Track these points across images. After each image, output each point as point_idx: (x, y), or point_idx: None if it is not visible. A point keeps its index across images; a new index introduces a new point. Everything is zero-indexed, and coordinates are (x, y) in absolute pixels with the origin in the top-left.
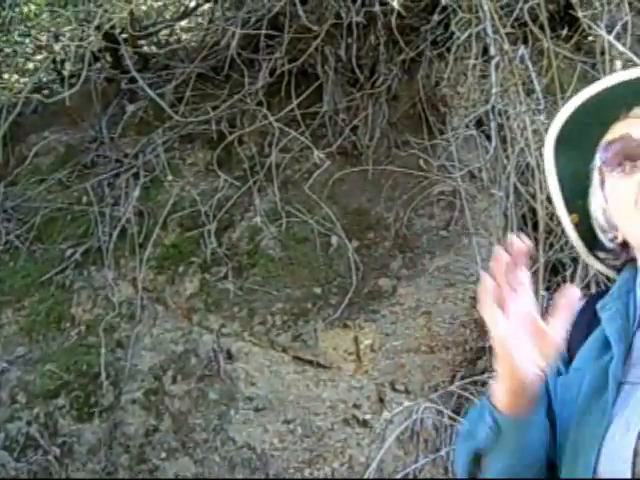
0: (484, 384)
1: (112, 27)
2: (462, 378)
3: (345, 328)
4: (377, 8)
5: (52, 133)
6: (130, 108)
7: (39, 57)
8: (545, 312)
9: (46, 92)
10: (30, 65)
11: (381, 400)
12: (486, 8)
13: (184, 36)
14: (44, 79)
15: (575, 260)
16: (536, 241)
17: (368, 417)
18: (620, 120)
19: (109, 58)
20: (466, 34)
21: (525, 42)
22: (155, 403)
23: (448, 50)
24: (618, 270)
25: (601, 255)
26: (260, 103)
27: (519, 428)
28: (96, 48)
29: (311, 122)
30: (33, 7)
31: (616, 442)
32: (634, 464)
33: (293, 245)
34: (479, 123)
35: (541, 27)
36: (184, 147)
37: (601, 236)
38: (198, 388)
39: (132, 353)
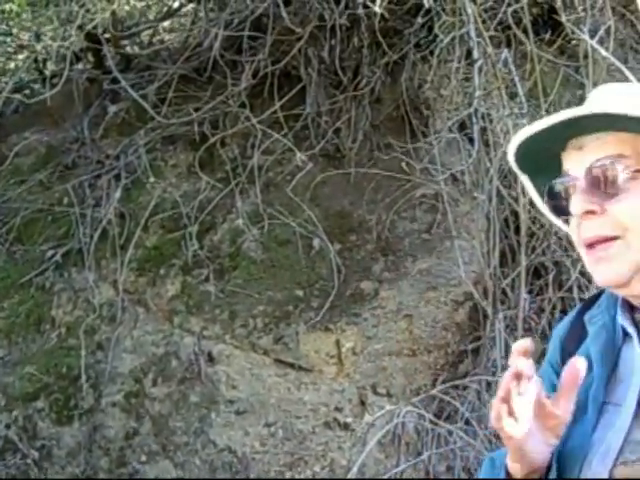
0: (465, 388)
1: (94, 27)
2: (444, 381)
3: (327, 331)
4: (360, 11)
5: (33, 133)
6: (112, 109)
7: (20, 56)
8: (527, 315)
9: (27, 92)
10: (11, 64)
11: (362, 403)
12: (470, 11)
13: (167, 37)
14: (25, 79)
15: (557, 263)
16: (518, 244)
17: (349, 420)
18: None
19: (91, 58)
20: (449, 37)
21: (508, 45)
22: (135, 406)
23: (431, 53)
24: None
25: None
26: (243, 105)
27: None
28: (78, 48)
29: (294, 124)
30: (14, 6)
31: (592, 469)
32: None
33: (275, 247)
34: (462, 126)
35: (525, 31)
36: (166, 148)
37: None
38: (179, 391)
39: (112, 355)
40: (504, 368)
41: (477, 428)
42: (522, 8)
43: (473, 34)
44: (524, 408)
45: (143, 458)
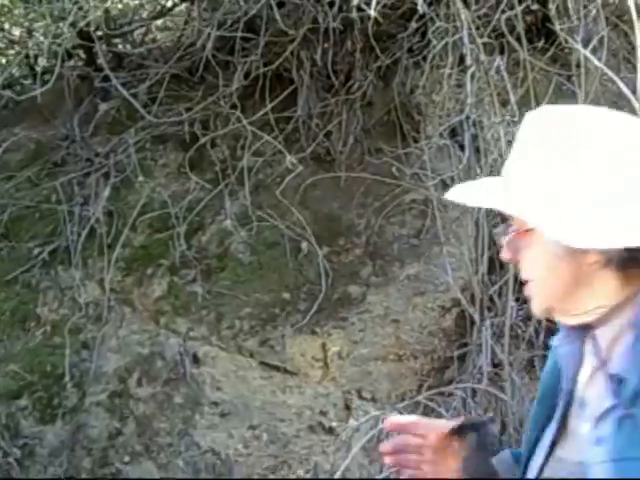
0: (450, 395)
1: (87, 24)
2: (429, 387)
3: (313, 334)
4: (354, 14)
5: (23, 129)
6: (103, 107)
7: (12, 52)
8: (514, 323)
9: (18, 88)
10: (2, 60)
11: (347, 408)
12: (463, 17)
13: (159, 36)
14: (16, 74)
15: None
16: None
17: (334, 425)
18: None
19: (83, 56)
20: (443, 43)
21: (502, 53)
22: (119, 406)
23: (424, 58)
24: None
25: None
26: (234, 106)
27: None
28: (70, 45)
29: (285, 126)
30: (6, 1)
31: None
32: None
33: (263, 250)
34: (453, 132)
35: (518, 38)
36: (156, 148)
37: None
38: (163, 392)
39: (97, 355)
40: (490, 375)
41: None
42: (516, 16)
43: (466, 40)
44: None
45: (126, 459)
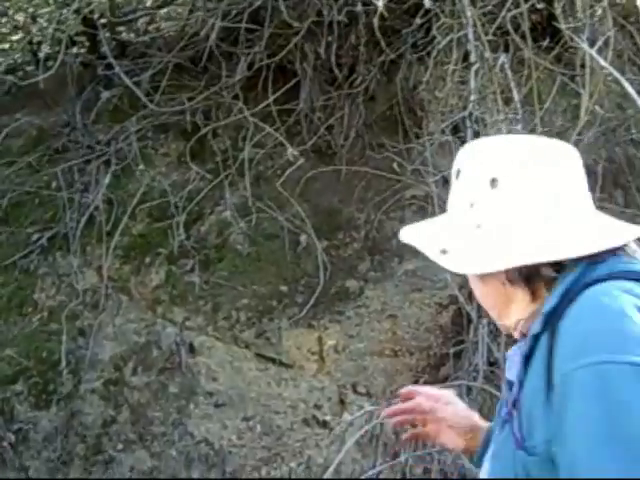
0: None
1: (91, 12)
2: (424, 384)
3: (310, 328)
4: (359, 8)
5: (24, 115)
6: (105, 94)
7: (15, 38)
8: None
9: (20, 73)
10: (5, 45)
11: (342, 402)
12: (469, 14)
13: (163, 25)
14: (19, 60)
15: None
16: None
17: (328, 418)
18: None
19: (86, 43)
20: (447, 39)
21: (506, 50)
22: (114, 394)
23: (428, 54)
24: None
25: None
26: (236, 97)
27: None
28: (74, 32)
29: (287, 119)
30: None
31: None
32: None
33: (262, 241)
34: (455, 129)
35: (523, 36)
36: (157, 137)
37: None
38: (158, 381)
39: (94, 342)
40: (486, 373)
41: None
42: (521, 14)
43: (471, 37)
44: None
45: (119, 446)
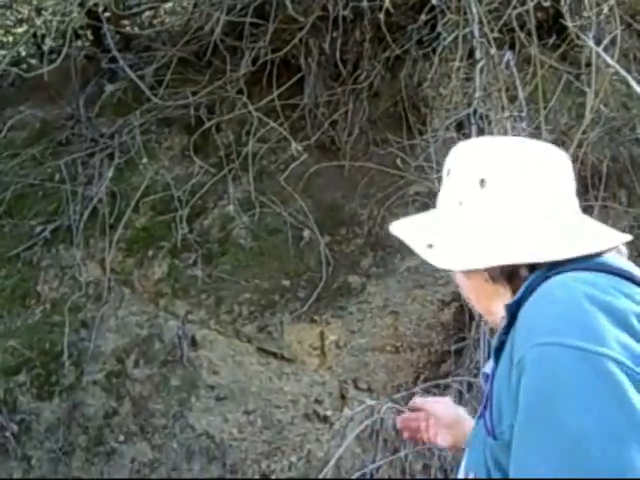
0: (447, 388)
1: (96, 4)
2: (425, 380)
3: (311, 322)
4: (365, 3)
5: (28, 108)
6: (109, 88)
7: (19, 30)
8: None
9: (24, 66)
10: (10, 38)
11: (343, 397)
12: (474, 11)
13: (168, 19)
14: (23, 53)
15: None
16: None
17: (329, 413)
18: None
19: (90, 36)
20: (453, 36)
21: (512, 48)
22: (116, 386)
23: (433, 51)
24: None
25: None
26: (240, 91)
27: None
28: (78, 25)
29: (291, 114)
30: None
31: None
32: None
33: (264, 236)
34: (460, 126)
35: (529, 34)
36: (161, 130)
37: None
38: (160, 373)
39: (96, 334)
40: None
41: None
42: (527, 11)
43: (477, 34)
44: None
45: (121, 438)
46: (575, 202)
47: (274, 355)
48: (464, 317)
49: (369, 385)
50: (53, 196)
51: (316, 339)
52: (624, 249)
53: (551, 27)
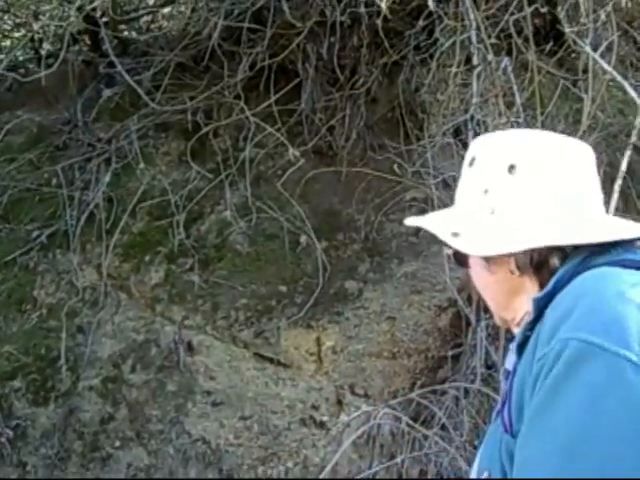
0: (443, 394)
1: (93, 9)
2: (422, 386)
3: (308, 328)
4: (362, 9)
5: (26, 112)
6: (106, 93)
7: (17, 35)
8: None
9: (22, 71)
10: (7, 42)
11: (339, 402)
12: (472, 17)
13: (165, 24)
14: (21, 57)
15: None
16: None
17: (325, 419)
18: None
19: (88, 41)
20: (450, 41)
21: (509, 54)
22: (112, 391)
23: (431, 56)
24: None
25: None
26: (238, 96)
27: None
28: (76, 29)
29: (288, 119)
30: None
31: None
32: None
33: (261, 241)
34: (457, 132)
35: (526, 40)
36: (158, 136)
37: None
38: (157, 379)
39: (92, 339)
40: (483, 376)
41: (453, 434)
42: (525, 17)
43: (474, 40)
44: None
45: (117, 443)
46: (601, 196)
47: (270, 361)
48: (461, 323)
49: (366, 391)
50: (50, 201)
51: (313, 345)
52: None
53: (548, 33)
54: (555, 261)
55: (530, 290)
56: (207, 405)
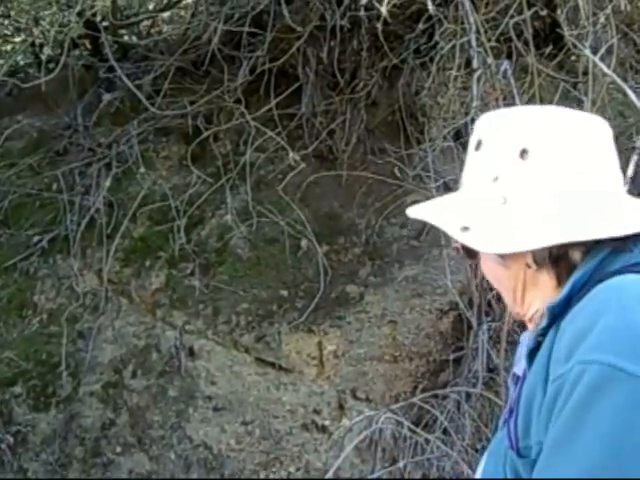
0: (445, 398)
1: (94, 14)
2: (424, 390)
3: (309, 332)
4: (362, 13)
5: (26, 117)
6: (106, 97)
7: (17, 40)
8: (512, 328)
9: (22, 76)
10: (8, 47)
11: (341, 407)
12: (472, 20)
13: (166, 28)
14: (21, 62)
15: None
16: None
17: (327, 423)
18: None
19: (88, 45)
20: (450, 45)
21: (509, 57)
22: (113, 397)
23: (431, 60)
24: None
25: None
26: (238, 100)
27: None
28: (76, 34)
29: (288, 123)
30: None
31: None
32: None
33: (262, 246)
34: (457, 135)
35: (526, 43)
36: (159, 140)
37: None
38: (158, 384)
39: (93, 345)
40: (485, 380)
41: (455, 438)
42: (524, 20)
43: (474, 43)
44: None
45: (118, 449)
46: (621, 176)
47: (272, 365)
48: (462, 326)
49: (367, 395)
50: (50, 206)
51: (314, 349)
52: None
53: (548, 36)
54: (576, 255)
55: (546, 284)
56: (208, 410)
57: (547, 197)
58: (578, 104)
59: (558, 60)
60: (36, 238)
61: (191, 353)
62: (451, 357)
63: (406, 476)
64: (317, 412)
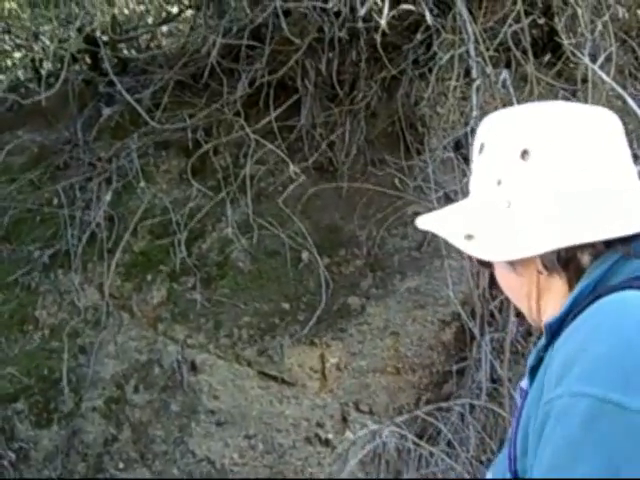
0: (449, 410)
1: (93, 29)
2: (427, 401)
3: (312, 345)
4: (360, 25)
5: (26, 132)
6: (106, 111)
7: (17, 55)
8: (515, 338)
9: (22, 91)
10: (8, 62)
11: (344, 420)
12: (470, 30)
13: (165, 42)
14: (21, 77)
15: None
16: None
17: (330, 436)
18: None
19: (88, 60)
20: (448, 55)
21: (508, 66)
22: (116, 412)
23: (430, 70)
24: None
25: None
26: (238, 113)
27: None
28: (76, 49)
29: (288, 135)
30: (14, 4)
31: None
32: None
33: (263, 259)
34: (457, 145)
35: (524, 52)
36: (159, 154)
37: None
38: (160, 399)
39: (95, 360)
40: (489, 391)
41: (459, 451)
42: (522, 29)
43: (472, 53)
44: None
45: (121, 465)
46: (634, 170)
47: (274, 379)
48: (465, 337)
49: (371, 407)
50: (51, 221)
51: (316, 362)
52: None
53: (546, 45)
54: (585, 258)
55: (559, 290)
56: (211, 424)
57: (549, 198)
58: None
59: (557, 68)
60: (37, 253)
61: (193, 367)
62: (454, 368)
63: None
64: (320, 425)
